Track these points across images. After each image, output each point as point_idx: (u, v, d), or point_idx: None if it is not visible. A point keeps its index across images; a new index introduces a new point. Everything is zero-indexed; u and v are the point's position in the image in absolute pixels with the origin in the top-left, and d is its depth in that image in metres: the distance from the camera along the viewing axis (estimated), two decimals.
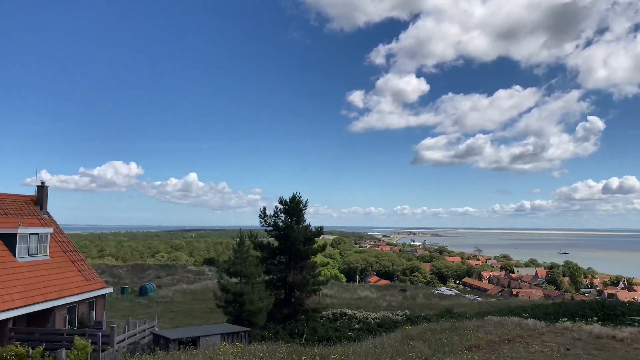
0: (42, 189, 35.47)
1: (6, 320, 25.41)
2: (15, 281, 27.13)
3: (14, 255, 28.72)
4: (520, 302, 60.38)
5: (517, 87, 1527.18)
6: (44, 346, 22.49)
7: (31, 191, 35.89)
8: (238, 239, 38.75)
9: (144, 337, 30.98)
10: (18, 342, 23.41)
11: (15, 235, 28.93)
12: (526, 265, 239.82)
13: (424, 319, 36.86)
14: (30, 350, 21.82)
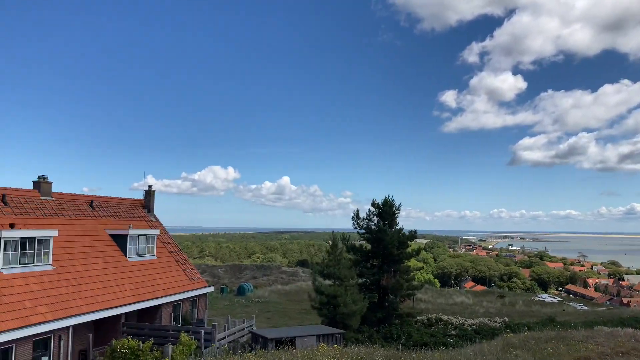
0: (149, 193, 37.80)
1: (119, 316, 27.33)
2: (127, 279, 29.10)
3: (125, 255, 30.81)
4: (632, 313, 56.00)
5: (626, 81, 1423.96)
6: (152, 341, 23.89)
7: (139, 195, 38.37)
8: (331, 242, 39.10)
9: (243, 336, 32.06)
10: (130, 336, 25.08)
11: (126, 236, 31.06)
12: (638, 272, 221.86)
13: (525, 327, 35.20)
14: (141, 344, 23.27)
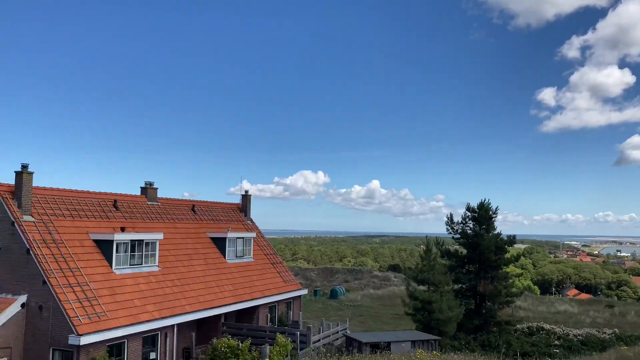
0: (245, 197, 39.16)
1: (220, 315, 28.47)
2: (226, 280, 30.27)
3: (225, 257, 32.07)
4: None
5: None
6: (250, 341, 24.64)
7: (235, 200, 39.86)
8: (424, 246, 38.42)
9: (337, 339, 32.23)
10: (229, 336, 26.04)
11: (225, 239, 32.34)
12: None
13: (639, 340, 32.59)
14: (240, 344, 24.09)
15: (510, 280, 41.41)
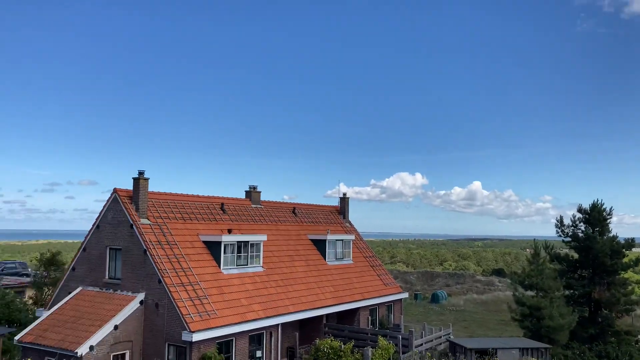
0: (344, 199, 39.47)
1: (321, 316, 28.87)
2: (327, 282, 30.66)
3: (325, 259, 32.51)
4: None
5: None
6: (353, 343, 24.76)
7: (332, 202, 40.33)
8: (531, 250, 36.71)
9: (440, 344, 31.54)
10: (332, 337, 26.32)
11: (325, 241, 32.79)
12: None
13: None
14: (342, 345, 24.29)
15: (630, 287, 38.36)
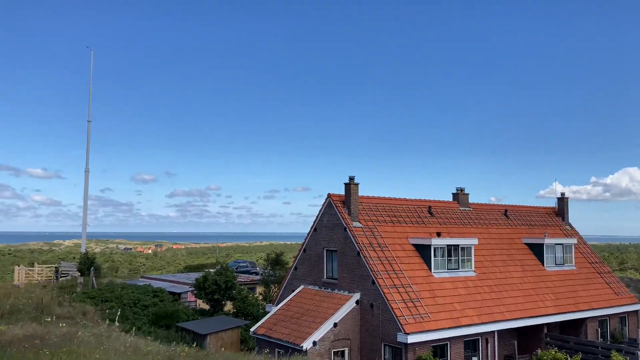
0: (562, 200, 36.31)
1: (541, 325, 26.91)
2: (546, 289, 28.51)
3: (543, 264, 30.28)
4: None
5: None
6: (580, 356, 22.63)
7: (545, 203, 37.48)
8: None
9: None
10: (555, 348, 24.36)
11: (542, 245, 30.55)
12: None
13: None
14: (568, 358, 22.33)
15: None
